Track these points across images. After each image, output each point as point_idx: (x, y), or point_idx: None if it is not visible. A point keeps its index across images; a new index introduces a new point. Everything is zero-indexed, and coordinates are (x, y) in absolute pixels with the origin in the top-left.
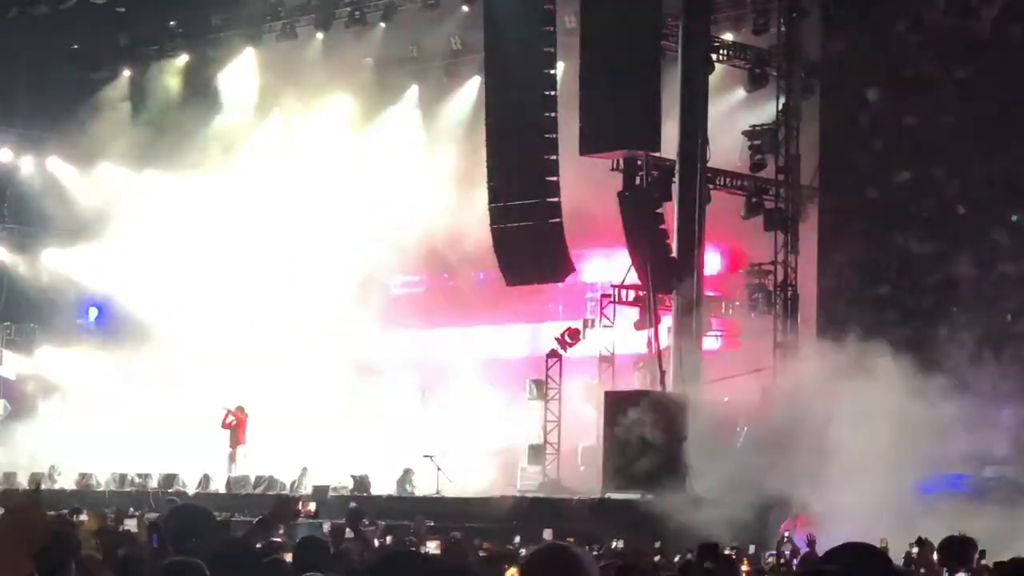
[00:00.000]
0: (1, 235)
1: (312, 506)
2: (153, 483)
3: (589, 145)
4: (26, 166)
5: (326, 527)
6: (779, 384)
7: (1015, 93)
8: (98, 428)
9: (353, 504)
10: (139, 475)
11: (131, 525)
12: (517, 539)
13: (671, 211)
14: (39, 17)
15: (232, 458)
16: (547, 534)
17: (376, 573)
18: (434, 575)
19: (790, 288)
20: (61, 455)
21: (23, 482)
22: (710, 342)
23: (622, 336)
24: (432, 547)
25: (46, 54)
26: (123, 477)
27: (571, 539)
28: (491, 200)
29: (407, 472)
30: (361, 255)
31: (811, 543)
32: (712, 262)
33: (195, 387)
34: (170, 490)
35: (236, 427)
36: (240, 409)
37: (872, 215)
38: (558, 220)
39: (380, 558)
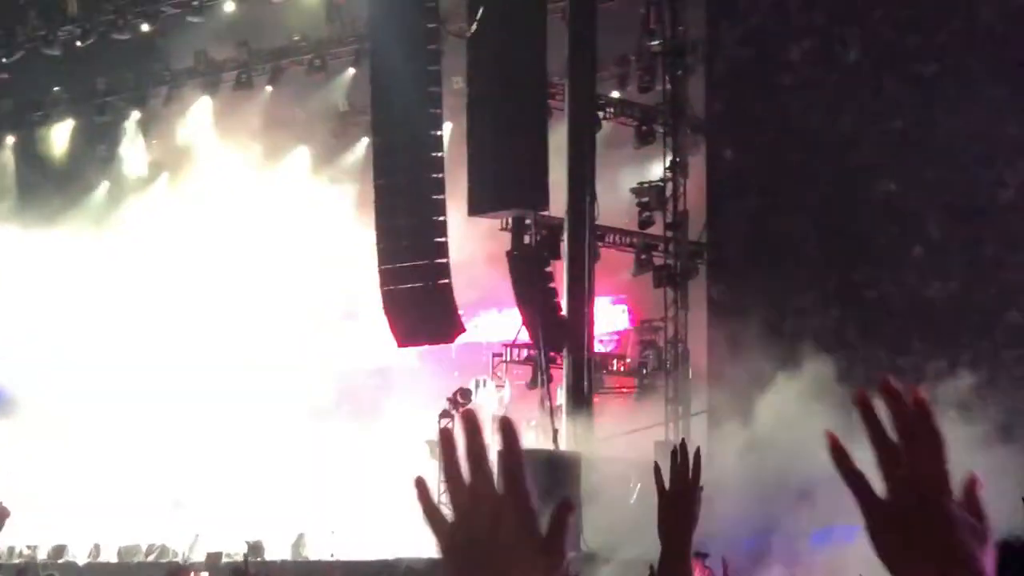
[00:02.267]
0: None
1: (204, 574)
2: (42, 554)
3: (477, 206)
4: None
5: None
6: (671, 440)
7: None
8: None
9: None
10: (28, 547)
11: None
12: None
13: (560, 269)
14: None
15: None
16: None
17: None
18: None
19: (680, 344)
20: None
21: None
22: (602, 399)
23: (514, 395)
24: None
25: None
26: (11, 550)
27: None
28: (380, 262)
29: (300, 536)
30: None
31: None
32: (617, 318)
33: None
34: (60, 560)
35: None
36: None
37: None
38: (447, 281)
39: None
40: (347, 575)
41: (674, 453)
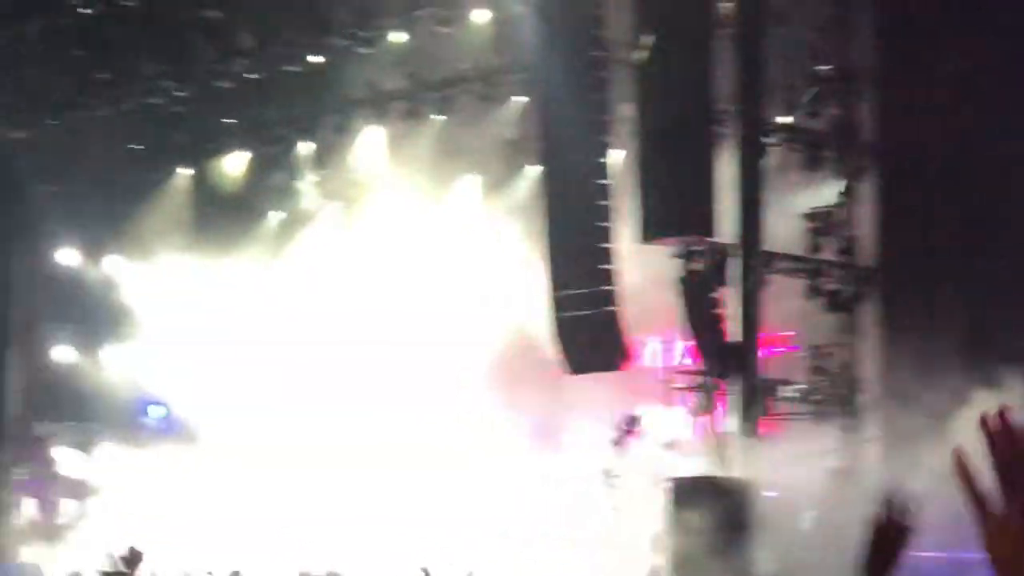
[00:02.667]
0: (64, 335)
1: None
2: None
3: (646, 233)
4: (87, 267)
5: None
6: (846, 469)
7: None
8: (161, 527)
9: None
10: (208, 573)
11: None
12: None
13: (729, 295)
14: (100, 119)
15: None
16: None
17: None
18: None
19: (852, 370)
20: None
21: None
22: (770, 426)
23: (680, 423)
24: None
25: (107, 155)
26: None
27: None
28: (550, 289)
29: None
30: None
31: None
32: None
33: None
34: None
35: None
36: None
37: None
38: (617, 308)
39: None
40: None
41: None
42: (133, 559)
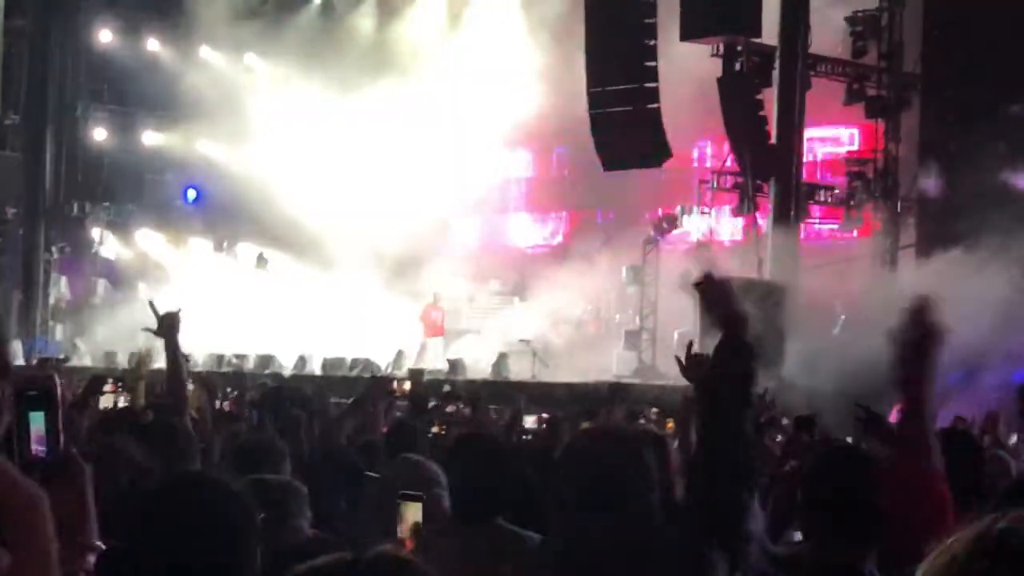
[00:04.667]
0: (101, 116)
1: (407, 385)
2: (250, 364)
3: (689, 30)
4: (126, 48)
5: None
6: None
7: None
8: (197, 309)
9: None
10: (236, 356)
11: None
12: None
13: (771, 97)
14: None
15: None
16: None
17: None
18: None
19: (891, 176)
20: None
21: (123, 361)
22: (808, 229)
23: (719, 223)
24: (530, 422)
25: None
26: (220, 358)
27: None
28: (589, 85)
29: (502, 356)
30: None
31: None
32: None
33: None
34: (266, 371)
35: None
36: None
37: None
38: (656, 105)
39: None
40: (534, 395)
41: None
42: (171, 322)
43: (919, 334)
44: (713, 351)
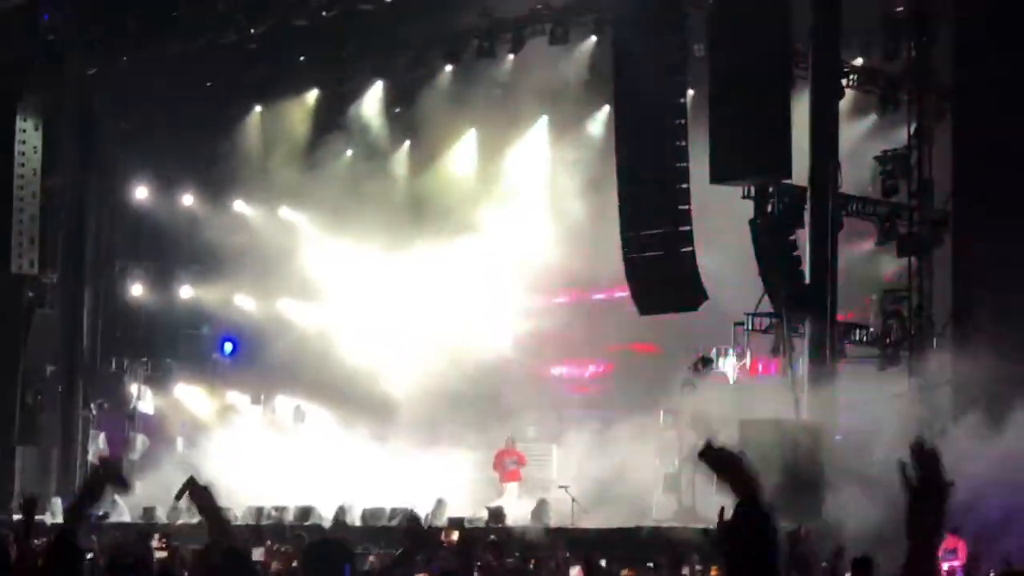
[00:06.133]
0: (138, 272)
1: (455, 535)
2: (289, 516)
3: (719, 174)
4: (161, 204)
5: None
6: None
7: None
8: (234, 462)
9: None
10: (275, 508)
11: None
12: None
13: (803, 238)
14: (171, 57)
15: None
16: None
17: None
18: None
19: (925, 314)
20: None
21: (162, 516)
22: (844, 368)
23: (754, 363)
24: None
25: (179, 93)
26: (260, 511)
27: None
28: (623, 229)
29: (542, 503)
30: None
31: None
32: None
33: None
34: (306, 523)
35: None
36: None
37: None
38: (690, 248)
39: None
40: (570, 543)
41: (914, 449)
42: (202, 493)
43: (932, 485)
44: (730, 518)
